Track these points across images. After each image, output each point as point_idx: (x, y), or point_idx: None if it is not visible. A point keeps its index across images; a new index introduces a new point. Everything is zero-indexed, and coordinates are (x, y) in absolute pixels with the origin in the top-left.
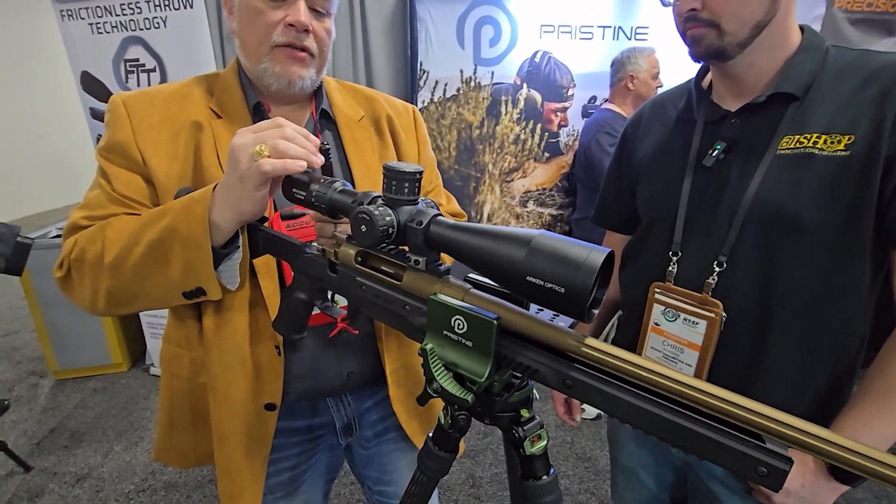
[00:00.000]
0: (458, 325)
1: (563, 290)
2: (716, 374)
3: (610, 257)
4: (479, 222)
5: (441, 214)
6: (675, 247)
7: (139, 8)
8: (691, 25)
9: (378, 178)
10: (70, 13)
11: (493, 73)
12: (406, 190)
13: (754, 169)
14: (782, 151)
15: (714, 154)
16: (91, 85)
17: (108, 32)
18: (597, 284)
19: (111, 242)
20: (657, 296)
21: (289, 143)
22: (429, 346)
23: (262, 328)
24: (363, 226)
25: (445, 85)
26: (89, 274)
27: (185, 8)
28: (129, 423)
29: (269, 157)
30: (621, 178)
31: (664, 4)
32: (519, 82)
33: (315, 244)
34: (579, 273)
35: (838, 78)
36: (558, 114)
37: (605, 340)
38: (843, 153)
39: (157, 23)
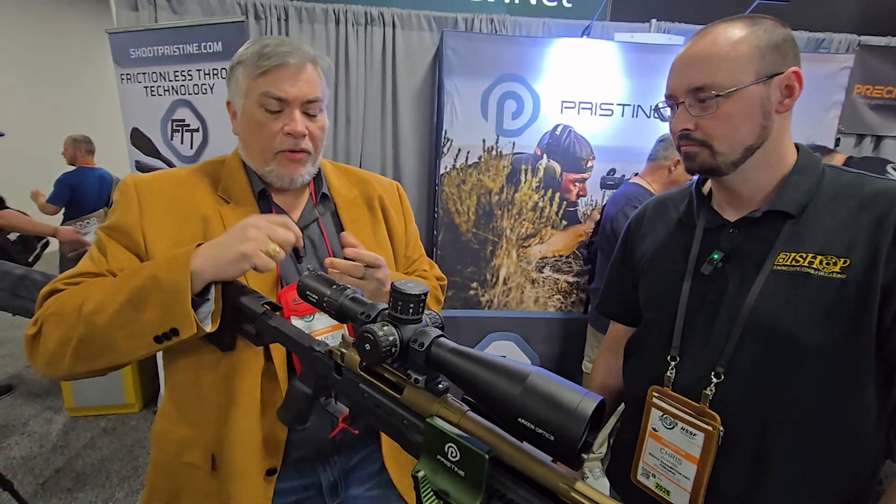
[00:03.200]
0: (452, 452)
1: (552, 438)
2: (715, 490)
3: (602, 404)
4: (494, 285)
5: (443, 335)
6: (673, 351)
7: (190, 75)
8: (685, 143)
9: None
10: (129, 77)
11: (514, 144)
12: (411, 310)
13: (751, 281)
14: (779, 267)
15: (712, 262)
16: (139, 140)
17: (160, 95)
18: (587, 430)
19: (93, 294)
20: (655, 400)
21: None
22: (420, 474)
23: (269, 399)
24: (367, 344)
25: (468, 153)
26: (63, 325)
27: None
28: (132, 469)
29: (277, 255)
30: (625, 272)
31: (662, 120)
32: (539, 153)
33: (324, 341)
34: (569, 421)
35: (834, 199)
36: (577, 184)
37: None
38: (838, 276)
39: (205, 89)
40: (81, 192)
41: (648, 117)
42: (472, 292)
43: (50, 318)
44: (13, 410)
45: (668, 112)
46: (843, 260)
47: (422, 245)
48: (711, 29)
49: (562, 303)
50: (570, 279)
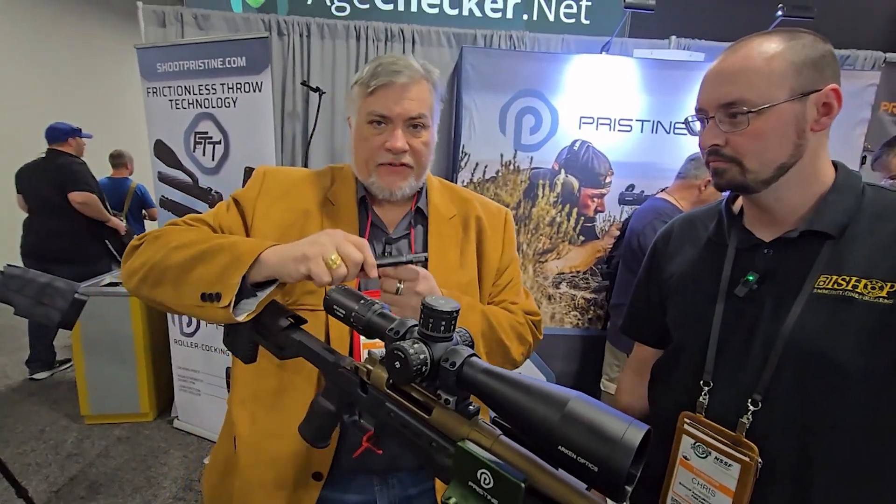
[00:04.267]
0: (485, 479)
1: (596, 469)
2: None
3: (648, 434)
4: None
5: (475, 355)
6: (706, 376)
7: (214, 89)
8: (714, 159)
9: (454, 274)
10: (155, 90)
11: (531, 158)
12: (442, 328)
13: (790, 305)
14: (819, 291)
15: (747, 284)
16: (162, 151)
17: (184, 108)
18: (633, 462)
19: (189, 235)
20: (687, 427)
21: (352, 269)
22: (452, 501)
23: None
24: (397, 362)
25: (486, 167)
26: (153, 248)
27: (255, 91)
28: (146, 479)
29: (337, 268)
30: (651, 292)
31: (691, 133)
32: (557, 168)
33: (350, 359)
34: (615, 453)
35: (877, 220)
36: (595, 199)
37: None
38: (885, 301)
39: (228, 102)
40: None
41: (668, 133)
42: None
43: (150, 239)
44: (30, 417)
45: (697, 126)
46: (889, 284)
47: (520, 273)
48: (746, 42)
49: (579, 319)
50: (588, 295)
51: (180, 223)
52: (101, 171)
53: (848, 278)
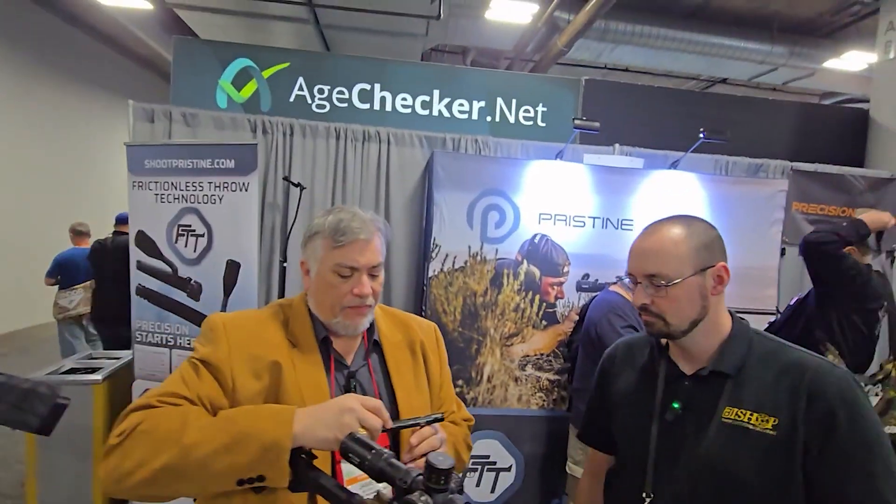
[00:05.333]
0: None
1: None
2: None
3: None
4: (479, 383)
5: (469, 500)
6: (647, 488)
7: (201, 186)
8: (645, 314)
9: (414, 398)
10: (141, 184)
11: (497, 250)
12: (442, 481)
13: (706, 430)
14: (725, 420)
15: (673, 411)
16: (143, 242)
17: (169, 202)
18: None
19: (192, 425)
20: None
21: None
22: None
23: None
24: None
25: (455, 257)
26: (149, 447)
27: (241, 191)
28: None
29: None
30: (602, 405)
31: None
32: (520, 258)
33: (359, 497)
34: None
35: (761, 364)
36: (555, 287)
37: None
38: (771, 432)
39: (214, 199)
40: (70, 268)
41: (616, 229)
42: (457, 389)
43: (139, 436)
44: None
45: (629, 282)
46: (773, 419)
47: (452, 385)
48: (658, 227)
49: (544, 400)
50: (552, 377)
51: (157, 403)
52: None
53: (745, 412)
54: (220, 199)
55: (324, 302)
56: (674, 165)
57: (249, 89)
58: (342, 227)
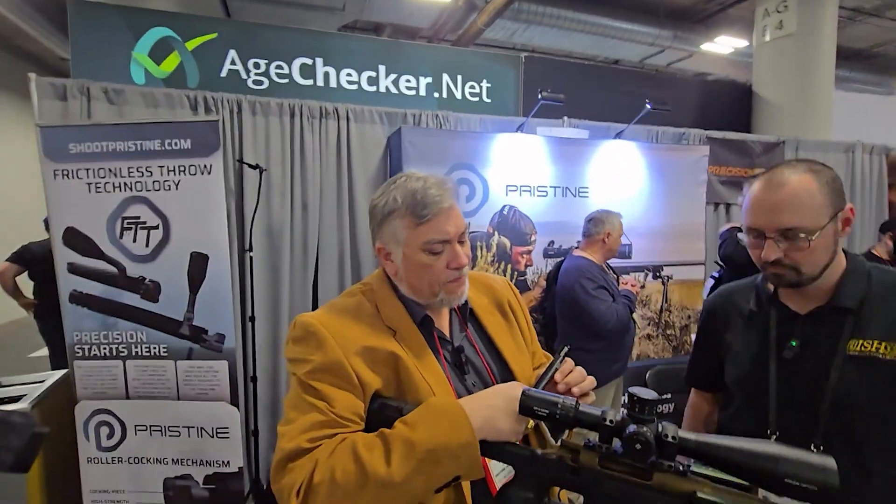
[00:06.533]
0: None
1: (816, 489)
2: None
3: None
4: None
5: (678, 428)
6: (772, 426)
7: (150, 172)
8: (774, 268)
9: (521, 359)
10: (66, 173)
11: (469, 224)
12: (647, 411)
13: (829, 365)
14: (851, 353)
15: (791, 349)
16: (75, 240)
17: (108, 192)
18: None
19: (372, 460)
20: None
21: None
22: None
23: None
24: (638, 445)
25: None
26: (339, 494)
27: (202, 174)
28: None
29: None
30: (710, 351)
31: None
32: (491, 230)
33: (545, 451)
34: (827, 475)
35: (884, 294)
36: (524, 256)
37: None
38: None
39: (168, 185)
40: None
41: (575, 197)
42: None
43: (320, 489)
44: None
45: (747, 238)
46: None
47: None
48: (786, 177)
49: None
50: None
51: (310, 444)
52: None
53: (871, 342)
54: (176, 185)
55: (420, 284)
56: (619, 135)
57: (171, 63)
58: (421, 199)
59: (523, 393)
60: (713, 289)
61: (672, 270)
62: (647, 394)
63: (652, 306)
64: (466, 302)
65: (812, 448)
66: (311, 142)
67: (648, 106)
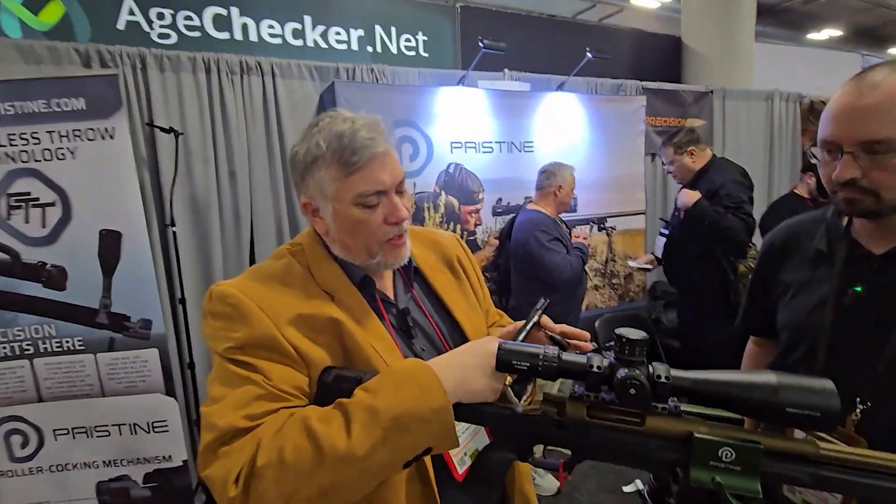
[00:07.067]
0: (726, 454)
1: (818, 414)
2: None
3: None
4: None
5: (671, 368)
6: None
7: (36, 139)
8: (849, 191)
9: (474, 317)
10: None
11: (415, 184)
12: (637, 352)
13: (895, 316)
14: None
15: (854, 295)
16: None
17: None
18: None
19: (328, 432)
20: None
21: None
22: (717, 479)
23: (415, 499)
24: (632, 390)
25: None
26: (291, 475)
27: (104, 139)
28: None
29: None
30: (765, 294)
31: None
32: (438, 190)
33: (522, 407)
34: (829, 399)
35: None
36: (473, 215)
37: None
38: None
39: (62, 154)
40: None
41: (520, 152)
42: None
43: (266, 472)
44: None
45: (820, 154)
46: None
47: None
48: (877, 80)
49: None
50: None
51: (248, 424)
52: None
53: None
54: (73, 153)
55: (355, 244)
56: (560, 87)
57: (53, 13)
58: (349, 144)
59: (500, 347)
60: (666, 247)
61: (615, 221)
62: (636, 334)
63: (598, 258)
64: (411, 260)
65: (858, 404)
66: (232, 101)
67: (589, 54)
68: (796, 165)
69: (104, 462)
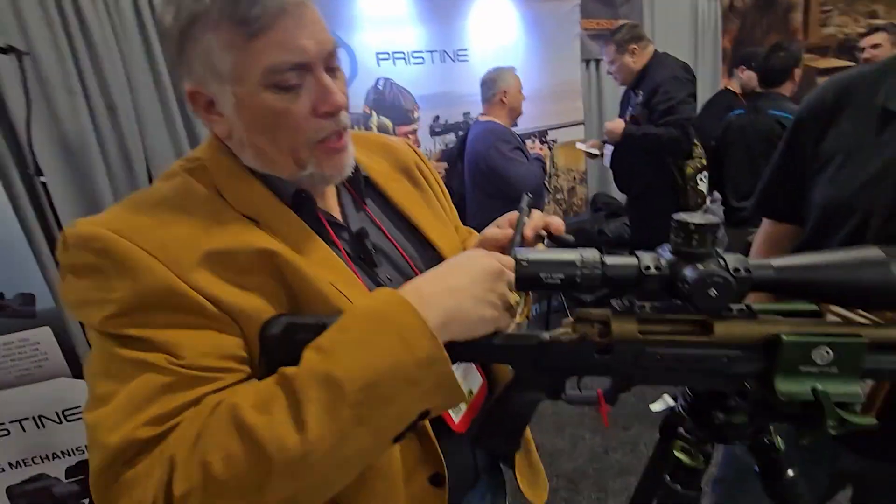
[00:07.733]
0: (822, 356)
1: None
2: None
3: None
4: None
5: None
6: None
7: None
8: None
9: (443, 231)
10: None
11: None
12: (707, 241)
13: None
14: None
15: None
16: None
17: None
18: None
19: (267, 426)
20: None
21: None
22: (819, 387)
23: (412, 460)
24: (713, 289)
25: None
26: (227, 498)
27: None
28: None
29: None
30: (794, 167)
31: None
32: (368, 111)
33: (555, 333)
34: None
35: None
36: (410, 136)
37: None
38: None
39: None
40: None
41: (454, 62)
42: None
43: (195, 494)
44: None
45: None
46: None
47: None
48: None
49: None
50: None
51: (150, 431)
52: None
53: None
54: None
55: (273, 149)
56: None
57: None
58: None
59: (520, 259)
60: (613, 154)
61: (556, 134)
62: (703, 218)
63: None
64: (358, 168)
65: None
66: (93, 12)
67: None
68: (718, 65)
69: (11, 465)
